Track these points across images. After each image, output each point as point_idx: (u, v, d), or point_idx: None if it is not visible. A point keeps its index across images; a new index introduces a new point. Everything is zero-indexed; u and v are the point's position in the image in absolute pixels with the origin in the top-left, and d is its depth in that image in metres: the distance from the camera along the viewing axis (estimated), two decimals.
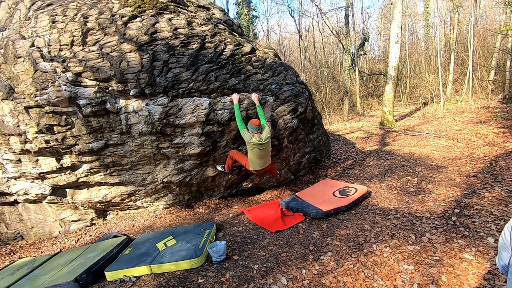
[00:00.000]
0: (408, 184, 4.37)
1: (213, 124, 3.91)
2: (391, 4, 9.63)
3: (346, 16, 12.61)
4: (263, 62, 4.25)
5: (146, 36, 3.61)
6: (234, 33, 4.54)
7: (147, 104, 3.68)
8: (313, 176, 5.47)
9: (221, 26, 4.30)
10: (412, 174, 4.67)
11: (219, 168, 4.29)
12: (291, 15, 26.35)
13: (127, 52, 3.53)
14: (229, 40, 4.10)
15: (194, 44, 3.84)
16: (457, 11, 15.53)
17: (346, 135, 9.78)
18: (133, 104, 3.69)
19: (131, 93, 3.58)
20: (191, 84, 3.69)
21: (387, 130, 9.53)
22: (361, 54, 15.38)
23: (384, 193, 4.19)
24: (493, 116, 8.90)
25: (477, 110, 10.72)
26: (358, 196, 3.99)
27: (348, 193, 4.13)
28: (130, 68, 3.51)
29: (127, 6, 3.77)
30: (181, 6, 4.10)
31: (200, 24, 4.04)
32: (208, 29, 4.03)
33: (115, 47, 3.52)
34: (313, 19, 18.51)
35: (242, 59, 4.10)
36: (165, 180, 4.24)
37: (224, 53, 3.98)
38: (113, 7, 3.73)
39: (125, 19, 3.66)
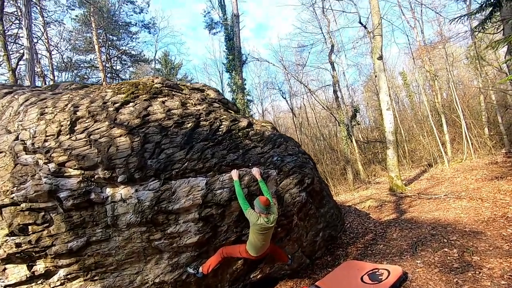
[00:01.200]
0: (449, 258, 3.65)
1: (212, 207, 3.45)
2: (376, 77, 10.32)
3: (335, 92, 13.45)
4: (261, 135, 4.06)
5: (138, 119, 3.49)
6: (230, 111, 4.49)
7: (136, 190, 3.29)
8: (331, 257, 4.70)
9: (216, 105, 4.27)
10: (448, 245, 3.97)
11: (190, 270, 3.46)
12: (283, 97, 28.51)
13: (117, 137, 3.34)
14: (224, 116, 4.00)
15: (188, 123, 3.70)
16: (435, 79, 16.77)
17: (356, 205, 9.12)
18: (121, 191, 3.30)
19: (119, 179, 3.23)
20: (186, 164, 3.39)
21: (399, 196, 8.94)
22: (354, 125, 15.86)
23: (424, 273, 3.44)
24: (508, 170, 8.47)
25: (486, 166, 10.35)
26: (393, 280, 3.24)
27: (380, 277, 3.37)
28: (119, 153, 3.25)
29: (120, 94, 3.77)
30: (175, 89, 4.14)
31: (195, 104, 4.00)
32: (203, 108, 3.97)
33: (105, 132, 3.34)
34: (303, 98, 19.85)
35: (239, 134, 3.92)
36: (157, 280, 3.51)
37: (220, 129, 3.82)
38: (105, 95, 3.72)
39: (117, 105, 3.60)
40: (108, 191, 3.30)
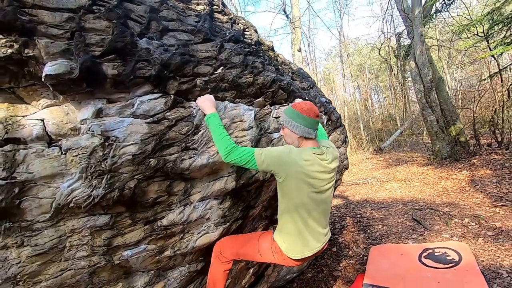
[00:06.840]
0: (470, 227, 3.38)
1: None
2: None
3: None
4: (290, 66, 2.62)
5: None
6: None
7: (99, 113, 1.20)
8: (333, 246, 3.69)
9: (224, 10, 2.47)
10: (450, 216, 3.78)
11: None
12: None
13: None
14: (244, 21, 2.33)
15: (198, 4, 1.84)
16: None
17: None
18: (51, 117, 1.14)
19: (49, 71, 1.07)
20: (220, 70, 1.57)
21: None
22: None
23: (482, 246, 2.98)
24: (391, 161, 10.06)
25: (366, 160, 12.20)
26: (471, 259, 2.56)
27: (448, 258, 2.64)
28: None
29: None
30: None
31: None
32: None
33: None
34: None
35: (270, 53, 2.35)
36: None
37: (246, 36, 2.14)
38: None
39: None
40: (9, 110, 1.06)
